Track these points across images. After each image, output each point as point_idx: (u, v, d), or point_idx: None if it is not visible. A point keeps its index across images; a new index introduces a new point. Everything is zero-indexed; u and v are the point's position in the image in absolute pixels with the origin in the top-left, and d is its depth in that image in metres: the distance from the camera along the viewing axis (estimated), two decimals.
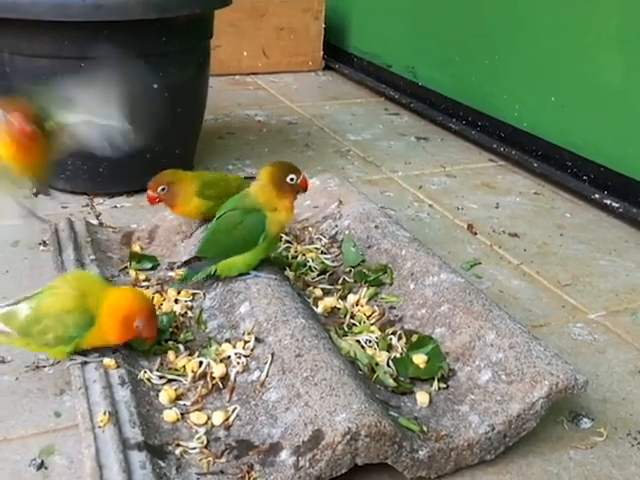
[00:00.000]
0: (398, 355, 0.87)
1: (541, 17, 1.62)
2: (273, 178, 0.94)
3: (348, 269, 1.05)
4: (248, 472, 0.69)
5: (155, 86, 1.30)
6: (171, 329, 0.90)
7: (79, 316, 0.79)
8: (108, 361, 0.81)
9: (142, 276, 1.04)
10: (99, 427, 0.71)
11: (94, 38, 1.21)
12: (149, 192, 1.07)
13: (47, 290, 0.81)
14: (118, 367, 0.81)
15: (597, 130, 1.50)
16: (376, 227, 1.10)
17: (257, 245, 0.93)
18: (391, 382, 0.83)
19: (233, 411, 0.77)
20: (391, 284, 1.00)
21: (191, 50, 1.38)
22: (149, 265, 1.07)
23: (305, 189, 0.96)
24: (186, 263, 0.97)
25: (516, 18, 1.70)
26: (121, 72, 1.26)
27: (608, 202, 1.43)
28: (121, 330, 0.81)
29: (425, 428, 0.76)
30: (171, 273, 1.04)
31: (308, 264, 1.06)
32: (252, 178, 1.17)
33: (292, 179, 0.94)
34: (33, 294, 0.81)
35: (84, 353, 0.82)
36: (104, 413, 0.72)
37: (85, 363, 0.81)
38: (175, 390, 0.80)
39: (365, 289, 1.00)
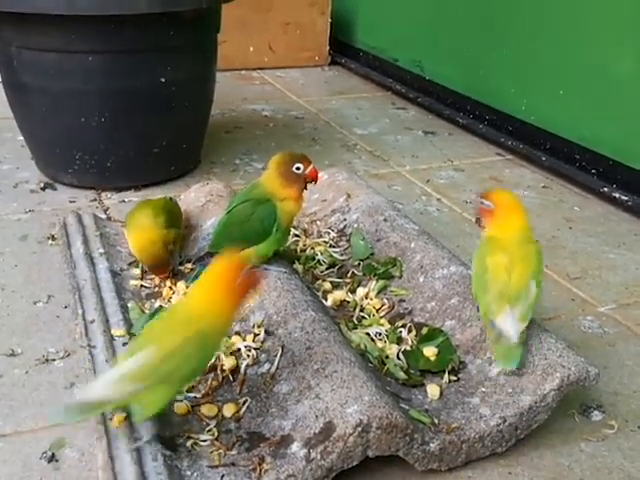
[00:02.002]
0: (408, 348, 0.87)
1: (549, 10, 1.61)
2: (279, 167, 0.92)
3: (357, 262, 1.05)
4: (259, 464, 0.69)
5: (162, 80, 1.30)
6: None
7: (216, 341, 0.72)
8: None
9: None
10: (110, 420, 0.71)
11: (102, 32, 1.21)
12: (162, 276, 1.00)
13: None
14: None
15: (606, 123, 1.49)
16: (385, 220, 1.10)
17: (270, 236, 0.93)
18: (401, 375, 0.82)
19: (244, 403, 0.77)
20: (400, 277, 1.00)
21: (199, 44, 1.37)
22: None
23: (315, 180, 0.94)
24: (199, 259, 0.97)
25: (524, 11, 1.69)
26: (129, 66, 1.26)
27: (617, 195, 1.42)
28: (235, 301, 0.71)
29: (436, 420, 0.75)
30: (180, 267, 1.04)
31: (317, 257, 1.06)
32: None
33: (298, 168, 0.92)
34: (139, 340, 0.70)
35: None
36: None
37: None
38: None
39: (374, 282, 1.00)
